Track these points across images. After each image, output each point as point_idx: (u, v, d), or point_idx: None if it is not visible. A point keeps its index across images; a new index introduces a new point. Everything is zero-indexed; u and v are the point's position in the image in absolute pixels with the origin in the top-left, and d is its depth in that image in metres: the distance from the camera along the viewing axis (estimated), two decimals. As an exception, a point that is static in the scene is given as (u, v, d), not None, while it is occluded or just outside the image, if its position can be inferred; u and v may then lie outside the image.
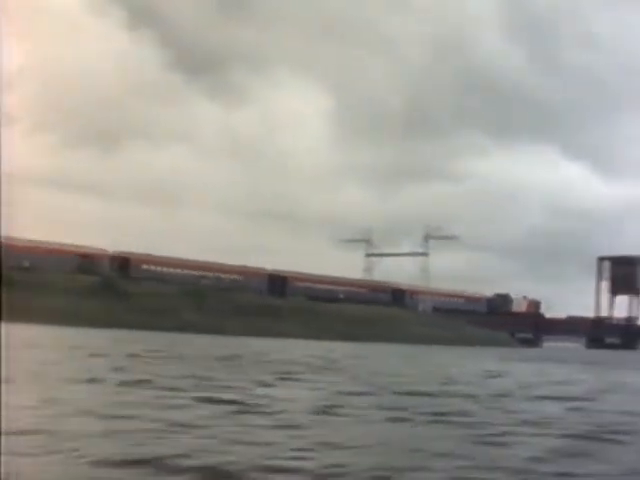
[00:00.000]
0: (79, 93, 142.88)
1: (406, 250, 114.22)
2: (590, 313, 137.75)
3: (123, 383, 14.86)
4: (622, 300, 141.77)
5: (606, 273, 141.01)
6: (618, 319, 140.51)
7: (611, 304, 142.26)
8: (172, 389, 14.11)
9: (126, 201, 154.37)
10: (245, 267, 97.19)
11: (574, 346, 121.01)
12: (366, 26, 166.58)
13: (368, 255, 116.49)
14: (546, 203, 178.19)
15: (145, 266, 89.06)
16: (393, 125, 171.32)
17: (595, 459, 8.23)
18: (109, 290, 74.55)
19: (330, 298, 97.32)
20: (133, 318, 67.22)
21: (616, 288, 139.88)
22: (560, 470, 7.33)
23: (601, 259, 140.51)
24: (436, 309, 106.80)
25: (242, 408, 11.48)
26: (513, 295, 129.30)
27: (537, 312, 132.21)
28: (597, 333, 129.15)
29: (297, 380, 18.11)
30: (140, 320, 66.43)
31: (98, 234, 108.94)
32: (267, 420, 10.22)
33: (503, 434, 9.96)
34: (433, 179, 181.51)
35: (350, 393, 15.05)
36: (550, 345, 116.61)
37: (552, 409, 13.93)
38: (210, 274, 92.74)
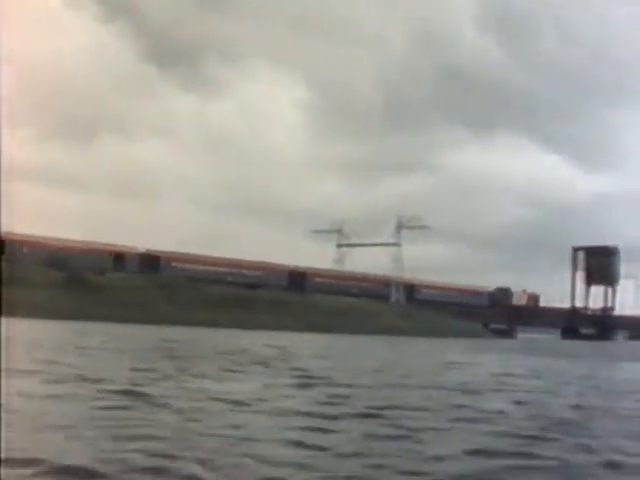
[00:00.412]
0: (55, 86, 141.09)
1: (380, 241, 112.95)
2: (566, 304, 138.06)
3: (53, 375, 14.13)
4: (597, 291, 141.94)
5: (581, 264, 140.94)
6: (593, 310, 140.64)
7: (586, 295, 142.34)
8: (97, 381, 13.41)
9: (103, 194, 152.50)
10: (266, 263, 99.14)
11: (549, 337, 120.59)
12: (345, 19, 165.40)
13: (339, 246, 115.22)
14: (524, 195, 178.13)
15: (174, 264, 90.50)
16: (372, 118, 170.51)
17: (514, 459, 7.48)
18: (81, 284, 73.69)
19: (346, 293, 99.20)
20: (105, 311, 66.29)
21: (591, 279, 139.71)
22: (460, 471, 6.61)
23: (576, 249, 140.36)
24: (410, 300, 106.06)
25: (155, 401, 10.74)
26: (513, 289, 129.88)
27: (536, 305, 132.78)
28: (572, 324, 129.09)
29: (240, 372, 17.36)
30: (111, 313, 65.48)
31: (76, 227, 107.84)
32: (174, 415, 9.48)
33: (428, 430, 9.26)
34: (412, 171, 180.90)
35: (287, 385, 14.31)
36: (525, 336, 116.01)
37: (497, 403, 13.13)
38: (234, 270, 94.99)
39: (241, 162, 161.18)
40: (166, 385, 13.30)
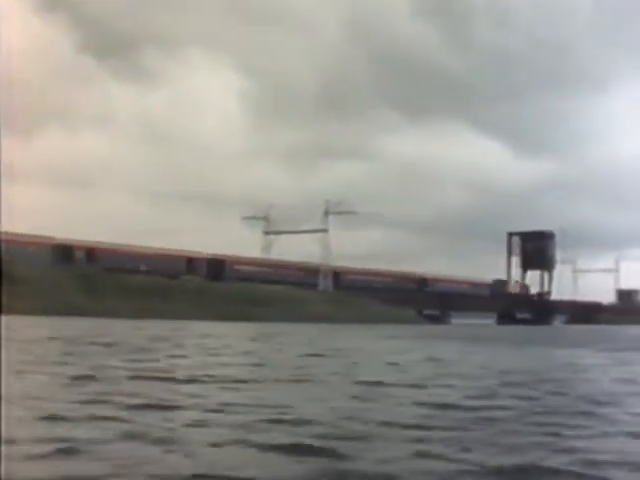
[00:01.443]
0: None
1: (308, 227, 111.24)
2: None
3: None
4: (533, 275, 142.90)
5: (516, 249, 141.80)
6: (530, 294, 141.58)
7: (522, 279, 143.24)
8: None
9: (42, 186, 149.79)
10: (306, 264, 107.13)
11: (485, 322, 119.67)
12: (281, 6, 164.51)
13: (267, 233, 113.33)
14: (461, 180, 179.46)
15: (236, 267, 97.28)
16: (309, 105, 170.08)
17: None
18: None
19: (369, 288, 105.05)
20: (19, 303, 64.47)
21: (527, 263, 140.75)
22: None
23: (511, 234, 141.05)
24: (339, 287, 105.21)
25: None
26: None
27: (527, 293, 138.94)
28: (508, 309, 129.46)
29: (70, 365, 16.28)
30: (25, 305, 63.77)
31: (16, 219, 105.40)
32: None
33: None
34: (349, 158, 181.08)
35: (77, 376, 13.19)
36: (459, 322, 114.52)
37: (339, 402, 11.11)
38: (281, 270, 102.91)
39: (178, 151, 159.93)
40: None
